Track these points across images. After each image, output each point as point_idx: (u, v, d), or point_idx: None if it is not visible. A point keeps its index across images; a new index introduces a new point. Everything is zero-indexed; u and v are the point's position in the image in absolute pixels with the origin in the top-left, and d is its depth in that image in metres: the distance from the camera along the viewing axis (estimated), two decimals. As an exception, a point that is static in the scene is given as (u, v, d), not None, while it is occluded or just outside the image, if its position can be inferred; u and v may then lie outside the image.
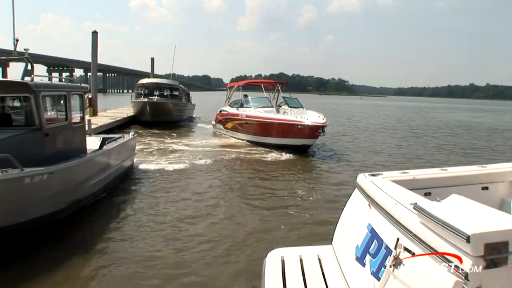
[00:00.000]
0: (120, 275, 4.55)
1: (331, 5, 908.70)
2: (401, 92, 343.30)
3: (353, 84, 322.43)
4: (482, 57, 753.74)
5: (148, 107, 19.41)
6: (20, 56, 6.26)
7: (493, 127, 29.33)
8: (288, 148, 13.09)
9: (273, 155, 12.64)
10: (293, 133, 12.91)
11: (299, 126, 12.63)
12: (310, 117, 13.14)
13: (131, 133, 10.06)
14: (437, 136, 20.90)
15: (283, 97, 16.55)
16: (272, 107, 15.28)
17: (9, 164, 4.67)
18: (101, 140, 8.13)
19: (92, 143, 7.79)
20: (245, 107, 15.78)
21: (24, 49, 6.30)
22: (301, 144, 13.06)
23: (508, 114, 54.78)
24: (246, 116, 14.96)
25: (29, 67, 6.16)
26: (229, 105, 17.72)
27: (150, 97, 20.61)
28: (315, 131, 12.46)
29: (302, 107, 15.68)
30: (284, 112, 15.03)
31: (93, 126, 12.50)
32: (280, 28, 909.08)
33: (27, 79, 5.98)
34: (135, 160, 10.29)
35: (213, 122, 19.05)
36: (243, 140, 15.30)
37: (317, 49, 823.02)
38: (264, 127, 14.02)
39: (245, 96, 17.34)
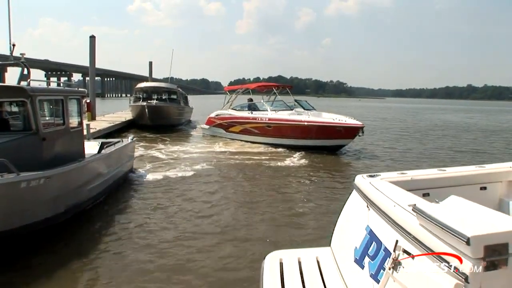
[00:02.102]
0: (118, 280, 4.51)
1: (329, 8, 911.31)
2: (399, 93, 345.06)
3: (352, 86, 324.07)
4: (479, 58, 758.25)
5: (147, 111, 19.37)
6: (16, 61, 6.23)
7: (480, 127, 29.36)
8: (322, 149, 13.72)
9: (280, 158, 12.66)
10: (331, 135, 13.60)
11: (338, 128, 13.45)
12: (347, 119, 13.85)
13: (130, 137, 10.03)
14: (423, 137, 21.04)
15: (295, 100, 16.72)
16: (291, 109, 15.32)
17: (5, 169, 4.65)
18: (100, 144, 8.11)
19: (91, 147, 7.77)
20: (262, 110, 15.80)
21: (20, 54, 6.27)
22: (338, 144, 13.96)
23: (501, 114, 54.84)
24: (269, 120, 14.97)
25: (25, 72, 6.12)
26: (232, 109, 17.47)
27: (149, 101, 20.60)
28: (355, 132, 13.42)
29: (315, 109, 15.89)
30: (297, 115, 15.15)
31: (91, 131, 12.48)
32: (278, 31, 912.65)
33: (23, 83, 5.95)
34: (134, 164, 10.25)
35: (205, 126, 18.58)
36: (262, 143, 15.17)
37: (315, 51, 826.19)
38: (297, 130, 14.17)
39: (251, 100, 17.44)
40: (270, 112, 15.31)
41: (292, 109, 15.34)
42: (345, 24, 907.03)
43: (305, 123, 13.96)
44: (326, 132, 13.61)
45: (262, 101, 16.79)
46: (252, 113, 15.94)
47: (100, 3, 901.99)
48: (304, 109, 15.59)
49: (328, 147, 13.82)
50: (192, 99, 30.58)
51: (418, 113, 51.97)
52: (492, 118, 44.97)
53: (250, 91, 18.08)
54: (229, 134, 16.88)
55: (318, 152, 13.60)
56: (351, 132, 13.49)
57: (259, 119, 15.37)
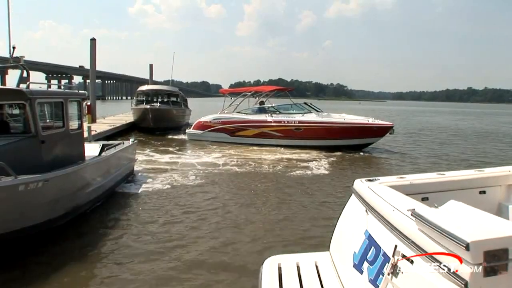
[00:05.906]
0: (115, 285, 4.49)
1: (330, 10, 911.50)
2: (399, 96, 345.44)
3: (352, 89, 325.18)
4: (480, 61, 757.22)
5: (150, 114, 19.35)
6: (16, 63, 6.22)
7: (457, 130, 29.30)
8: (352, 147, 14.85)
9: (294, 162, 12.58)
10: (365, 134, 15.05)
11: (374, 128, 15.01)
12: (377, 120, 15.54)
13: (131, 140, 9.99)
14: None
15: (305, 103, 17.46)
16: (310, 112, 16.26)
17: (3, 172, 4.64)
18: (101, 146, 8.08)
19: (92, 149, 7.74)
20: (284, 113, 16.34)
21: (20, 56, 6.27)
22: (368, 142, 15.36)
23: (494, 117, 54.63)
24: (299, 122, 15.59)
25: (24, 74, 6.12)
26: (240, 112, 17.23)
27: (151, 104, 20.65)
28: (386, 131, 15.01)
29: (322, 111, 16.69)
30: (324, 117, 16.00)
31: (92, 133, 12.45)
32: (279, 33, 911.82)
33: (22, 86, 5.95)
34: (135, 167, 10.18)
35: (196, 131, 17.61)
36: (285, 146, 15.38)
37: (316, 54, 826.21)
38: (332, 131, 15.15)
39: (262, 103, 17.72)
40: (297, 115, 15.99)
41: (310, 112, 16.23)
42: (345, 26, 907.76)
43: (343, 125, 15.15)
44: (361, 131, 14.95)
45: (279, 104, 17.31)
46: (272, 116, 16.13)
47: (100, 5, 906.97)
48: (317, 111, 16.40)
49: (358, 145, 15.04)
50: (192, 102, 30.59)
51: (414, 115, 51.80)
52: (480, 120, 44.64)
53: (264, 94, 18.28)
54: (236, 138, 16.44)
55: (338, 154, 14.05)
56: (383, 131, 15.02)
57: (285, 122, 15.81)
